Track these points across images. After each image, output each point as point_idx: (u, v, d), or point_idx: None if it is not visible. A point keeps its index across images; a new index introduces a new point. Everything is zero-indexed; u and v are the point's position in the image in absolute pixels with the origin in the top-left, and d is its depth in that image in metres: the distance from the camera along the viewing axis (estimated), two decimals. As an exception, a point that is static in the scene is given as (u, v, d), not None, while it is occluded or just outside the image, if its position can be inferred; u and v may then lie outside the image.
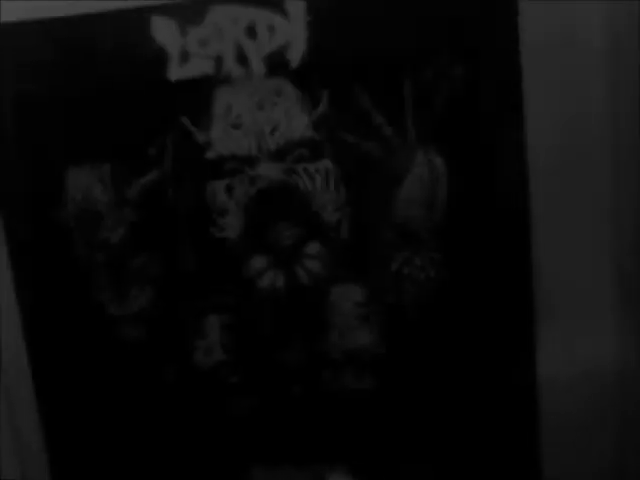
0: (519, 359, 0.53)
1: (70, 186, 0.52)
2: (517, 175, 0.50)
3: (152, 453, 0.56)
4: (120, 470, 0.56)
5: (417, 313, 0.52)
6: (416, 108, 0.50)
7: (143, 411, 0.55)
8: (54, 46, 0.51)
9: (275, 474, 0.55)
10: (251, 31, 0.50)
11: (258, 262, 0.52)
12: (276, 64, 0.50)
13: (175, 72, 0.51)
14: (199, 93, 0.51)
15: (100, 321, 0.54)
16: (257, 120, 0.51)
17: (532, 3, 0.48)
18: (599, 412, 0.54)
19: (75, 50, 0.51)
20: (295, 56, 0.50)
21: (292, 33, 0.50)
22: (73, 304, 0.54)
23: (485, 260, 0.52)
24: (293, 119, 0.51)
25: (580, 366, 0.54)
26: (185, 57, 0.50)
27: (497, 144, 0.50)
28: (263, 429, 0.55)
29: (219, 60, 0.50)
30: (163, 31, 0.50)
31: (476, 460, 0.55)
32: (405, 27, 0.49)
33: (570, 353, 0.54)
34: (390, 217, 0.51)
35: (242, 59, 0.50)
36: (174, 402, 0.54)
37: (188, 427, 0.55)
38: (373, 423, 0.54)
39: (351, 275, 0.52)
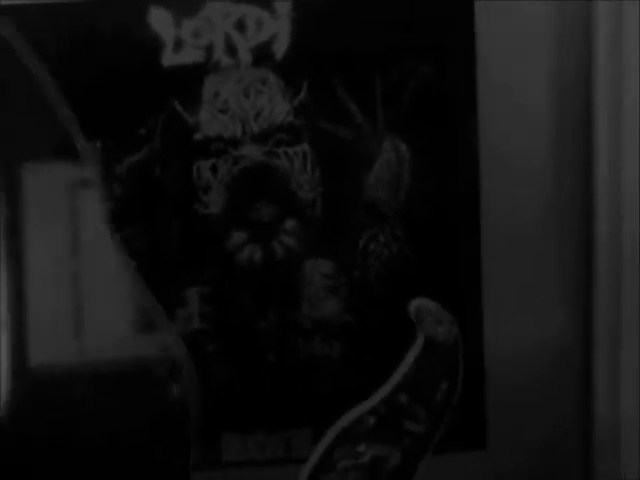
0: (468, 332, 0.60)
1: (62, 162, 0.56)
2: (470, 161, 0.58)
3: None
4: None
5: (380, 285, 0.58)
6: (385, 100, 0.56)
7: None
8: (54, 29, 0.54)
9: (246, 440, 0.59)
10: (240, 25, 0.55)
11: (238, 237, 0.57)
12: (262, 55, 0.56)
13: (169, 59, 0.55)
14: (190, 79, 0.56)
15: (84, 292, 0.57)
16: (242, 106, 0.56)
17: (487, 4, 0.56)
18: (542, 384, 0.61)
19: (74, 34, 0.55)
20: (279, 49, 0.56)
21: (278, 28, 0.55)
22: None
23: (441, 238, 0.58)
24: (275, 106, 0.56)
25: (524, 342, 0.61)
26: (179, 46, 0.55)
27: (454, 134, 0.57)
28: (237, 395, 0.58)
29: (210, 50, 0.56)
30: (160, 21, 0.55)
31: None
32: (378, 28, 0.56)
33: (515, 330, 0.60)
34: (360, 197, 0.57)
35: (231, 50, 0.56)
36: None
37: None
38: (340, 387, 0.59)
39: (323, 250, 0.58)
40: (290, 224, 0.57)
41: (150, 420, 0.44)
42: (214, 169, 0.56)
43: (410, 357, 0.44)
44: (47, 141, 0.51)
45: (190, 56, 0.55)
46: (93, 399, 0.45)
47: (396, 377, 0.44)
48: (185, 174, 0.56)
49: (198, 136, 0.56)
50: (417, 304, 0.46)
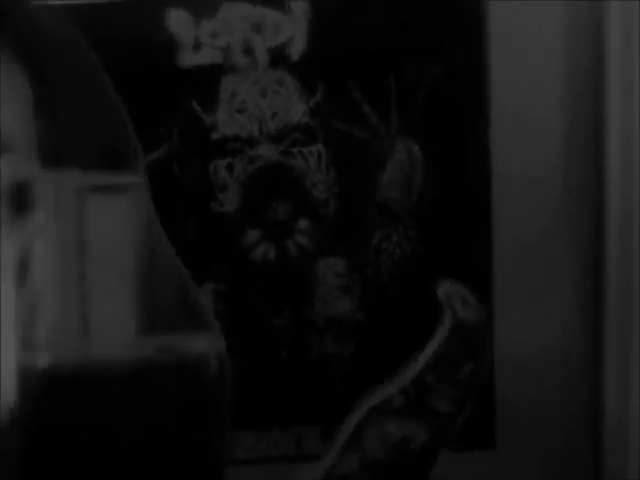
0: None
1: (81, 160, 0.56)
2: (481, 161, 0.59)
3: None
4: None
5: (392, 284, 0.59)
6: (400, 101, 0.57)
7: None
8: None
9: (259, 437, 0.59)
10: (258, 27, 0.57)
11: (253, 235, 0.58)
12: (278, 57, 0.57)
13: (187, 60, 0.56)
14: (208, 80, 0.57)
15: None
16: (259, 106, 0.57)
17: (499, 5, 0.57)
18: (551, 384, 0.61)
19: (92, 36, 0.55)
20: (296, 51, 0.57)
21: (294, 30, 0.57)
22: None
23: (452, 238, 0.59)
24: (292, 107, 0.57)
25: (534, 344, 0.61)
26: (197, 47, 0.56)
27: (465, 134, 0.58)
28: (250, 393, 0.59)
29: (227, 51, 0.57)
30: (178, 22, 0.56)
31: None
32: (392, 29, 0.57)
33: (525, 331, 0.61)
34: (373, 197, 0.58)
35: (248, 51, 0.57)
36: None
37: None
38: (350, 385, 0.59)
39: (336, 249, 0.59)
40: (304, 223, 0.58)
41: (185, 405, 0.45)
42: (230, 168, 0.57)
43: (438, 338, 0.45)
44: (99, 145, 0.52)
45: (208, 57, 0.56)
46: (123, 389, 0.45)
47: (424, 357, 0.45)
48: (202, 173, 0.57)
49: (215, 135, 0.57)
50: (445, 287, 0.47)
